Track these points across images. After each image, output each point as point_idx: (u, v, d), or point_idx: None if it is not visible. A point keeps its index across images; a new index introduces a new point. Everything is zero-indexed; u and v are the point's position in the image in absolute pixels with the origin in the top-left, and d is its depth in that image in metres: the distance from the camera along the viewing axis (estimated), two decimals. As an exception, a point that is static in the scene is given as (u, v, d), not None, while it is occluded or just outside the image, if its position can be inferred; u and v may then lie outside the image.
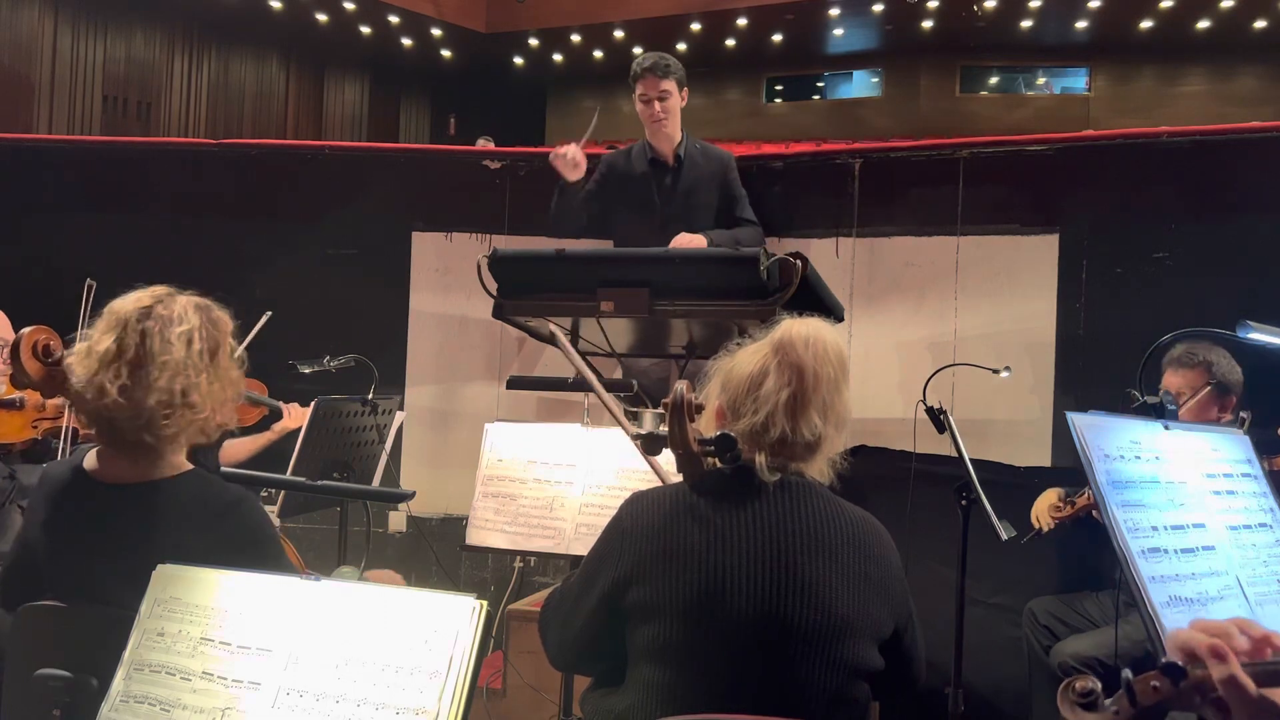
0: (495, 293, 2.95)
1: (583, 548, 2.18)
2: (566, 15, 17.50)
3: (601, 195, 3.75)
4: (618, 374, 3.45)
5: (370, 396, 2.99)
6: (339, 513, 2.97)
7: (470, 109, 19.95)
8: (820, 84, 20.11)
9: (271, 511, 2.77)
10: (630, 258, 3.14)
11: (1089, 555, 3.09)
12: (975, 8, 15.96)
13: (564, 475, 2.55)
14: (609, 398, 2.04)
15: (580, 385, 2.91)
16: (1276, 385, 2.82)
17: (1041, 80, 19.06)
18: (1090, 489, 2.75)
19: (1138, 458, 1.74)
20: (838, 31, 17.64)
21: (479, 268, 2.90)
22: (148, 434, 1.76)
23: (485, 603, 1.36)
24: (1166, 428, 1.84)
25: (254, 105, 18.35)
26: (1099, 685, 1.02)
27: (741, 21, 16.91)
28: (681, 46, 17.61)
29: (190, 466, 1.86)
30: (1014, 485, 3.42)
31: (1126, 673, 1.01)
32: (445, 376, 4.59)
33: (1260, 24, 15.80)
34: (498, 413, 4.31)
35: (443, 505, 4.17)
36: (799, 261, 2.69)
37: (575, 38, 18.26)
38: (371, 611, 1.40)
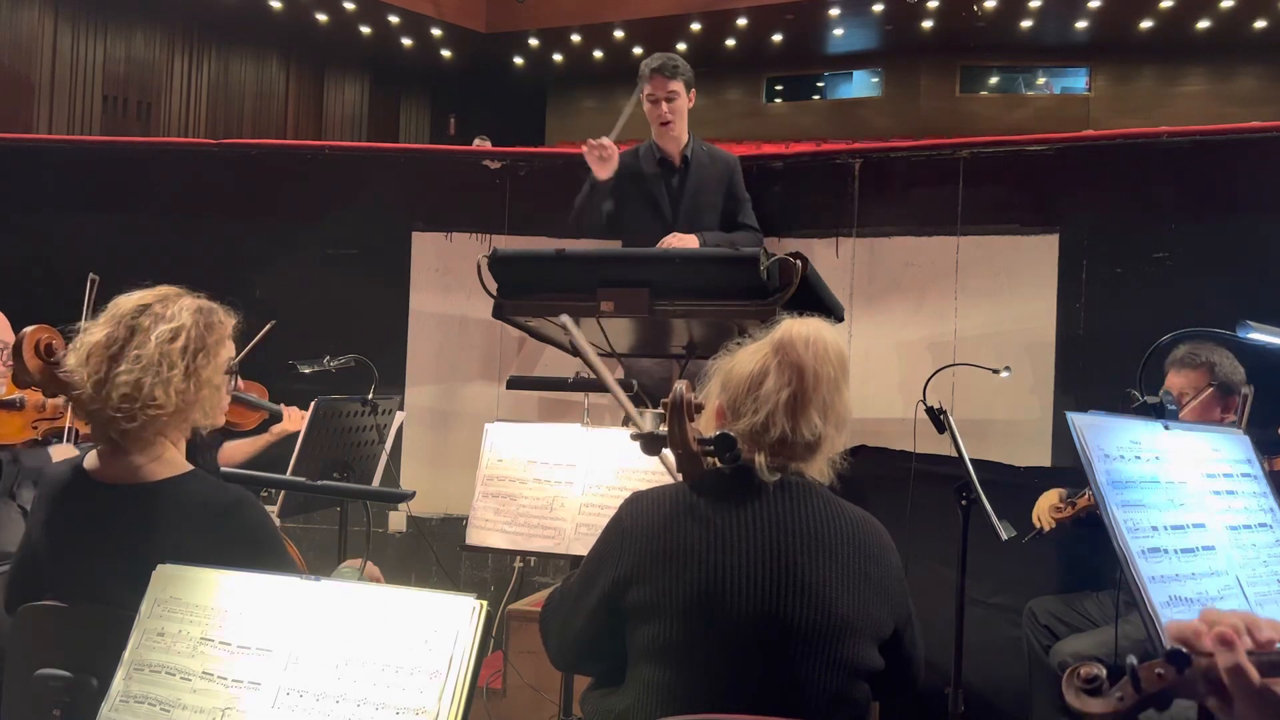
0: (495, 293, 2.95)
1: (583, 548, 2.18)
2: (566, 15, 17.51)
3: (611, 195, 3.74)
4: (619, 374, 3.45)
5: (370, 396, 2.99)
6: (339, 513, 2.96)
7: (470, 109, 19.95)
8: (820, 84, 20.11)
9: (271, 511, 2.77)
10: (630, 258, 3.14)
11: (1089, 555, 3.09)
12: (975, 8, 15.96)
13: (564, 475, 2.55)
14: (618, 391, 2.03)
15: (580, 385, 2.91)
16: (1276, 385, 2.82)
17: (1041, 80, 19.07)
18: (1091, 490, 2.76)
19: (1138, 458, 1.74)
20: (838, 31, 17.65)
21: (479, 268, 2.90)
22: (112, 428, 1.76)
23: (485, 603, 1.36)
24: (1166, 428, 1.84)
25: (254, 105, 18.35)
26: (1104, 672, 1.02)
27: (741, 21, 16.91)
28: (681, 46, 17.60)
29: (190, 467, 1.86)
30: (1014, 485, 3.42)
31: (1131, 659, 1.01)
32: (445, 376, 4.59)
33: (1260, 24, 15.80)
34: (498, 413, 4.31)
35: (443, 505, 4.17)
36: (799, 261, 2.69)
37: (575, 38, 18.26)
38: (371, 611, 1.40)
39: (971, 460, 2.52)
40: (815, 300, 2.84)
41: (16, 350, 1.91)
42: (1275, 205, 3.58)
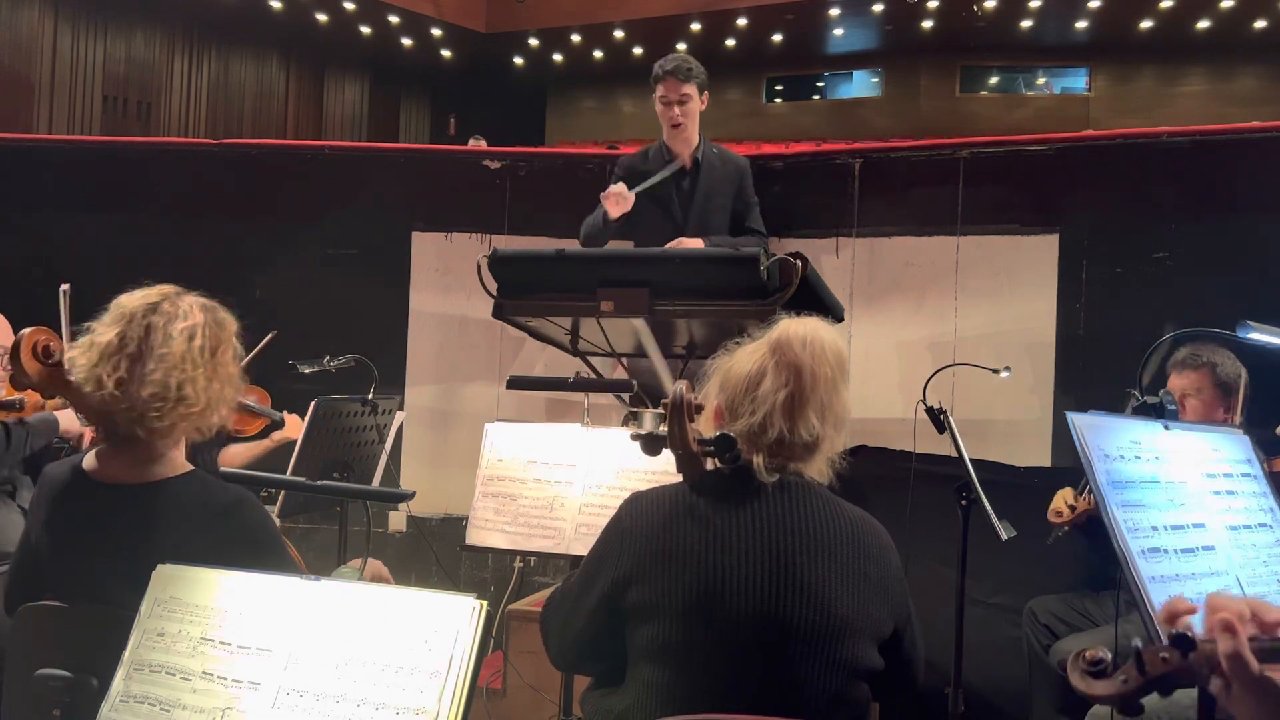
0: (495, 293, 2.95)
1: (583, 548, 2.18)
2: (566, 15, 17.51)
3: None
4: (619, 374, 3.45)
5: (370, 396, 2.99)
6: (339, 513, 2.96)
7: (470, 109, 19.95)
8: (820, 84, 20.12)
9: (271, 511, 2.77)
10: (630, 258, 3.14)
11: (1089, 555, 3.08)
12: (975, 8, 15.97)
13: (564, 475, 2.55)
14: (659, 360, 2.03)
15: (580, 385, 2.91)
16: (1277, 385, 2.82)
17: (1041, 80, 19.07)
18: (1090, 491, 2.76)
19: (1138, 458, 1.74)
20: (838, 31, 17.65)
21: (479, 268, 2.90)
22: (139, 426, 1.77)
23: (485, 603, 1.36)
24: (1166, 428, 1.84)
25: (254, 105, 18.36)
26: (1109, 655, 1.03)
27: (741, 21, 16.91)
28: (681, 46, 17.60)
29: (190, 467, 1.86)
30: (1014, 485, 3.42)
31: (1136, 642, 1.02)
32: (445, 376, 4.59)
33: (1260, 24, 15.81)
34: (498, 413, 4.31)
35: (443, 505, 4.17)
36: (799, 261, 2.69)
37: (575, 38, 18.27)
38: (371, 611, 1.40)
39: (971, 460, 2.52)
40: (815, 300, 2.84)
41: (14, 353, 1.91)
42: (1275, 205, 3.58)
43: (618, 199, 3.50)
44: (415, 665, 1.34)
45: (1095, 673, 1.03)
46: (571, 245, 3.65)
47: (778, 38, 17.73)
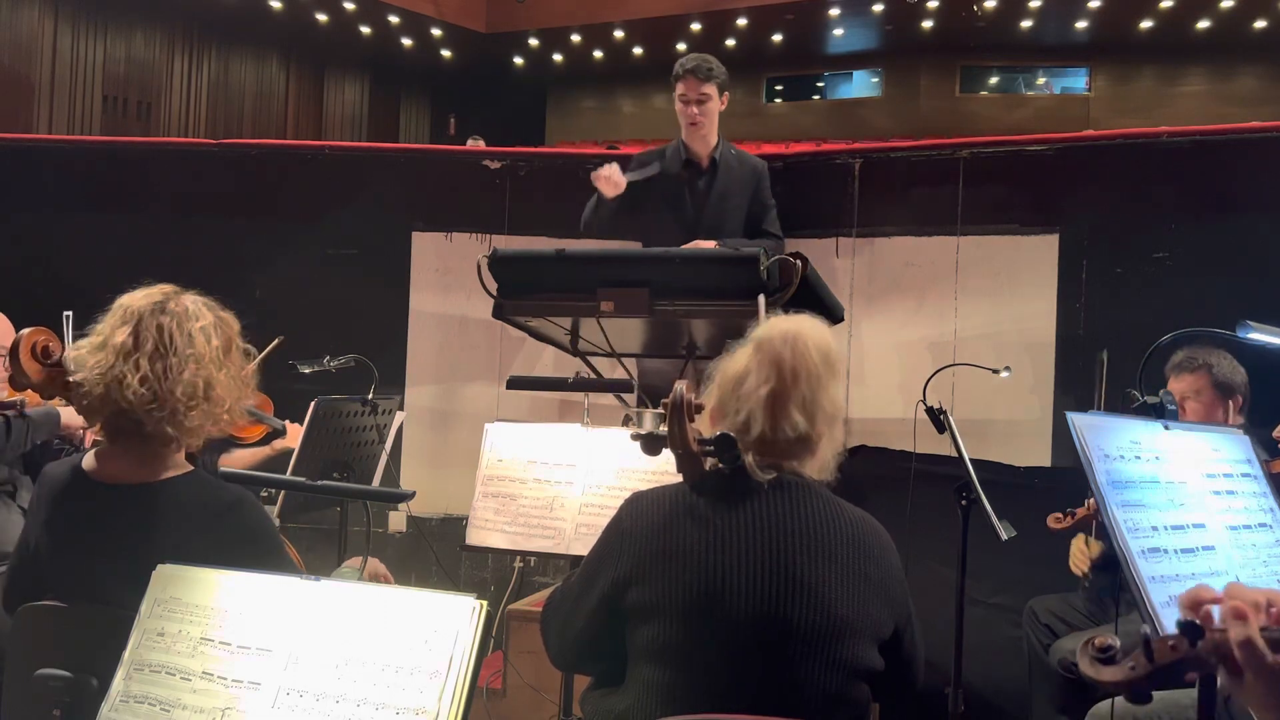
0: (495, 293, 2.95)
1: (583, 548, 2.18)
2: (566, 15, 17.51)
3: (633, 194, 3.72)
4: (619, 373, 3.45)
5: (370, 396, 2.98)
6: (339, 513, 2.96)
7: (470, 109, 19.95)
8: (820, 84, 20.12)
9: (271, 511, 2.77)
10: (630, 258, 3.14)
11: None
12: (975, 8, 15.97)
13: (564, 475, 2.55)
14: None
15: (580, 385, 2.91)
16: (1277, 385, 2.82)
17: (1041, 80, 19.07)
18: (1091, 498, 2.75)
19: (1138, 458, 1.74)
20: (838, 31, 17.65)
21: (479, 268, 2.90)
22: (170, 425, 1.78)
23: (485, 603, 1.36)
24: (1166, 428, 1.84)
25: (254, 105, 18.36)
26: (1118, 643, 1.03)
27: (741, 21, 16.91)
28: (681, 46, 17.59)
29: (190, 467, 1.86)
30: (1014, 485, 3.42)
31: (1145, 628, 1.03)
32: (445, 376, 4.59)
33: (1260, 24, 15.81)
34: (498, 413, 4.31)
35: (443, 505, 4.17)
36: (799, 261, 2.69)
37: (575, 38, 18.26)
38: (371, 611, 1.40)
39: (971, 460, 2.52)
40: (815, 300, 2.84)
41: (14, 354, 1.91)
42: (1275, 205, 3.58)
43: (607, 181, 3.49)
44: (415, 665, 1.34)
45: (1104, 659, 1.03)
46: (571, 245, 3.65)
47: (778, 38, 17.72)
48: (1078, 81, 18.66)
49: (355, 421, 2.98)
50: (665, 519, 1.70)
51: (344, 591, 1.44)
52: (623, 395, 3.23)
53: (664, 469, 2.15)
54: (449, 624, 1.35)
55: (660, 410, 1.72)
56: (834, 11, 16.65)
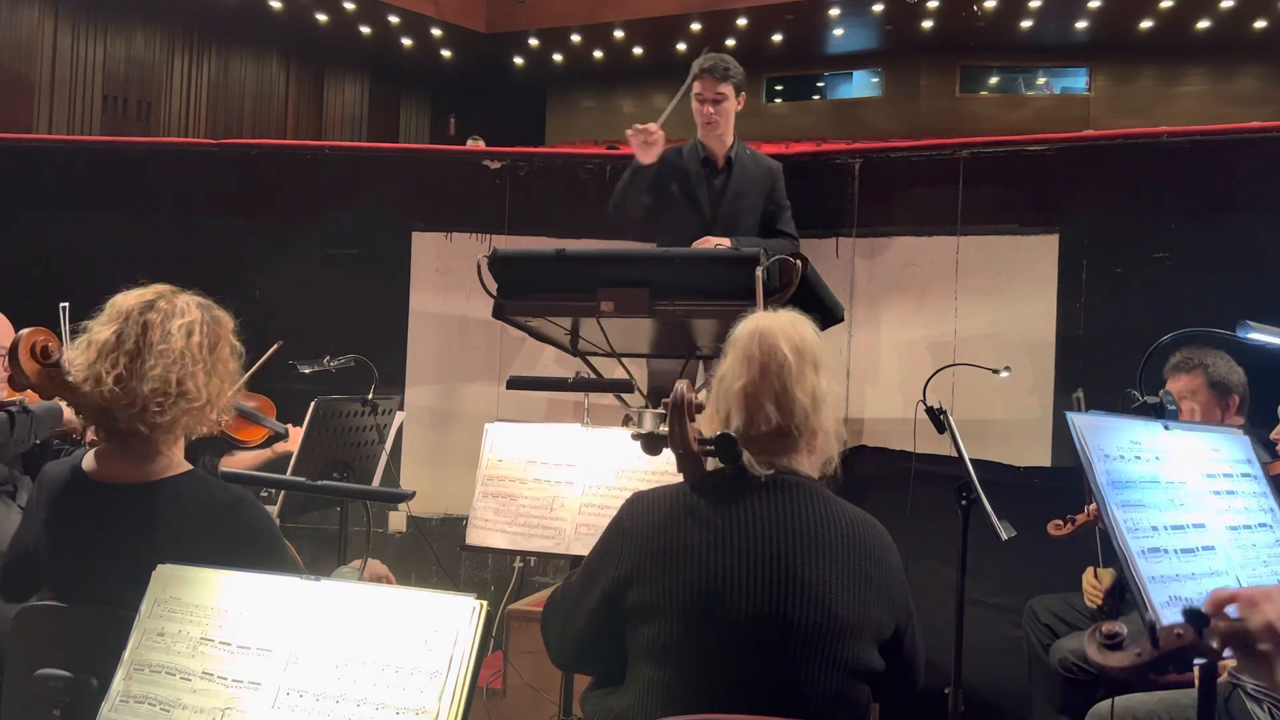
0: (495, 293, 2.95)
1: (583, 548, 2.18)
2: (566, 15, 17.51)
3: (652, 189, 3.72)
4: (619, 373, 3.45)
5: (370, 396, 2.99)
6: (339, 513, 2.96)
7: (470, 109, 19.95)
8: (820, 84, 20.11)
9: (271, 511, 2.77)
10: (630, 258, 3.14)
11: (1089, 555, 3.08)
12: (975, 8, 15.96)
13: (564, 475, 2.55)
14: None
15: (580, 385, 2.91)
16: (1277, 385, 2.82)
17: (1041, 80, 19.07)
18: (1091, 504, 2.76)
19: (1138, 458, 1.73)
20: (838, 31, 17.65)
21: (479, 268, 2.90)
22: (140, 423, 1.77)
23: (485, 603, 1.36)
24: (1166, 428, 1.83)
25: (254, 105, 18.35)
26: (1125, 629, 1.05)
27: (741, 21, 16.91)
28: (681, 46, 17.61)
29: (189, 466, 1.86)
30: (1014, 485, 3.42)
31: (1150, 616, 1.04)
32: (445, 376, 4.59)
33: (1260, 24, 15.80)
34: (498, 413, 4.31)
35: (443, 505, 4.17)
36: (799, 261, 2.69)
37: (575, 38, 18.26)
38: (371, 611, 1.40)
39: (971, 460, 2.52)
40: (815, 300, 2.84)
41: (12, 354, 1.91)
42: (1275, 205, 3.58)
43: (645, 136, 3.46)
44: (415, 665, 1.34)
45: (1111, 645, 1.05)
46: (571, 245, 3.65)
47: (778, 38, 17.72)
48: (1078, 81, 18.65)
49: (355, 421, 2.98)
50: (666, 519, 1.71)
51: (344, 591, 1.44)
52: (622, 395, 3.23)
53: (664, 469, 2.15)
54: (449, 624, 1.35)
55: (661, 410, 1.73)
56: (834, 11, 16.64)
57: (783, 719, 1.58)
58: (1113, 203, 3.89)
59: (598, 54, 19.05)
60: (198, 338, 1.83)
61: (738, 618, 1.62)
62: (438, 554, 3.83)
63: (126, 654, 1.47)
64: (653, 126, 3.49)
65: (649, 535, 1.70)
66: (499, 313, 2.99)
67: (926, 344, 4.09)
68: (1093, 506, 2.82)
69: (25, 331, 1.93)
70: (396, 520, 4.39)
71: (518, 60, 19.64)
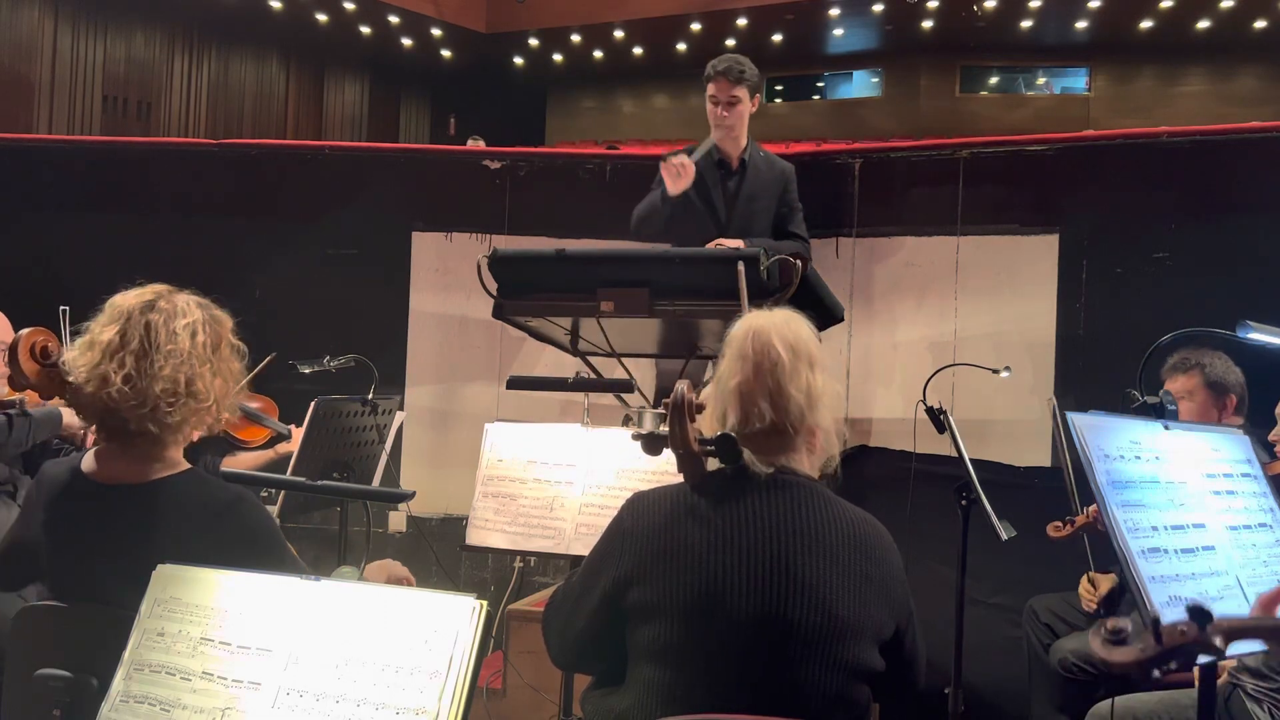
0: (495, 293, 2.95)
1: (583, 548, 2.18)
2: (566, 15, 17.51)
3: (687, 194, 3.70)
4: (619, 373, 3.45)
5: (370, 396, 2.99)
6: (339, 513, 2.96)
7: (470, 109, 19.95)
8: (820, 84, 20.12)
9: (271, 511, 2.77)
10: (630, 257, 3.14)
11: (1089, 555, 3.08)
12: (975, 8, 15.97)
13: (564, 475, 2.55)
14: None
15: (580, 385, 2.91)
16: (1276, 386, 2.82)
17: (1041, 80, 19.08)
18: (1090, 506, 2.76)
19: (1138, 458, 1.74)
20: (838, 31, 17.65)
21: (479, 268, 2.90)
22: (151, 423, 1.78)
23: (485, 603, 1.36)
24: (1166, 428, 1.84)
25: (254, 105, 18.36)
26: (1129, 625, 1.05)
27: (741, 21, 16.91)
28: (681, 46, 17.63)
29: (188, 465, 1.86)
30: (1014, 485, 3.42)
31: (1154, 611, 1.05)
32: (445, 376, 4.59)
33: (1260, 24, 15.81)
34: (498, 413, 4.31)
35: (443, 505, 4.17)
36: (799, 261, 2.69)
37: (575, 38, 18.27)
38: (371, 611, 1.40)
39: (971, 460, 2.52)
40: (815, 300, 2.84)
41: (12, 354, 1.92)
42: (1275, 205, 3.58)
43: (679, 170, 3.43)
44: (415, 665, 1.34)
45: (1115, 640, 1.06)
46: (571, 245, 3.64)
47: (778, 38, 17.72)
48: (1078, 81, 18.66)
49: (355, 421, 2.98)
50: (666, 519, 1.71)
51: (344, 591, 1.44)
52: (622, 395, 3.23)
53: (664, 469, 2.15)
54: (449, 624, 1.35)
55: (661, 410, 1.73)
56: (834, 11, 16.65)
57: (783, 719, 1.58)
58: (1113, 203, 3.89)
59: (598, 54, 19.05)
60: (202, 337, 1.84)
61: (738, 618, 1.62)
62: (438, 554, 3.83)
63: (126, 654, 1.47)
64: (687, 161, 3.46)
65: (649, 535, 1.70)
66: (499, 313, 2.99)
67: (926, 344, 4.09)
68: (1092, 508, 2.82)
69: (25, 331, 1.93)
70: (396, 520, 4.39)
71: (518, 60, 19.64)
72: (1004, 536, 2.47)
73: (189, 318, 1.84)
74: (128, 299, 1.84)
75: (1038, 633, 3.12)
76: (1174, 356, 3.02)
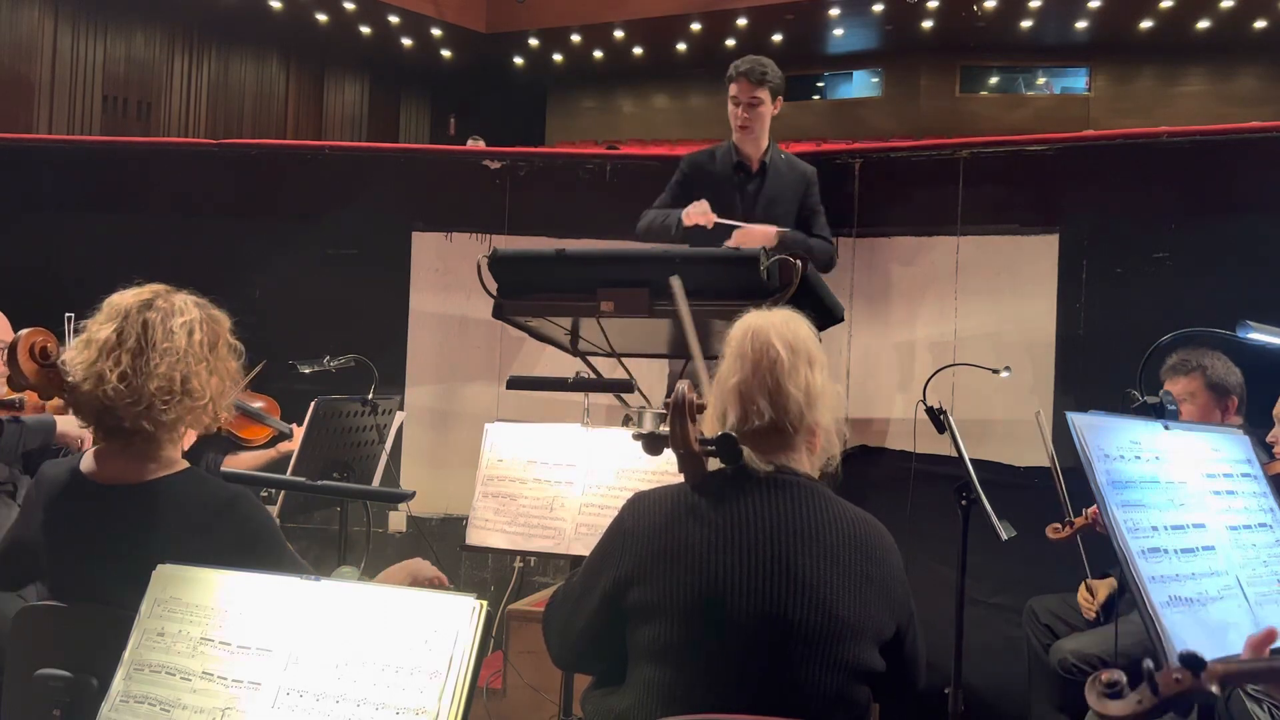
0: (495, 293, 2.95)
1: (583, 548, 2.18)
2: (566, 15, 17.52)
3: (683, 194, 3.69)
4: (619, 373, 3.45)
5: (370, 396, 2.99)
6: (339, 513, 2.97)
7: (470, 109, 19.96)
8: (820, 84, 20.12)
9: (271, 511, 2.77)
10: (630, 257, 3.14)
11: (1089, 555, 3.08)
12: (975, 8, 15.97)
13: (564, 475, 2.55)
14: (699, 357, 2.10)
15: (580, 385, 2.91)
16: (1276, 386, 2.82)
17: (1041, 80, 19.08)
18: (1090, 508, 2.75)
19: (1138, 458, 1.74)
20: (838, 31, 17.66)
21: (479, 268, 2.90)
22: (146, 420, 1.78)
23: (485, 603, 1.36)
24: (1166, 428, 1.84)
25: (254, 105, 18.36)
26: (1124, 678, 1.05)
27: (741, 21, 16.91)
28: (681, 46, 17.63)
29: (187, 465, 1.86)
30: (1014, 485, 3.42)
31: (1148, 663, 1.04)
32: (445, 376, 4.59)
33: (1260, 24, 15.81)
34: (498, 413, 4.31)
35: (443, 505, 4.17)
36: (799, 261, 2.69)
37: (575, 38, 18.27)
38: (371, 611, 1.40)
39: (971, 460, 2.52)
40: (815, 300, 2.84)
41: (11, 354, 1.91)
42: (1275, 205, 3.58)
43: (702, 218, 3.44)
44: (415, 665, 1.34)
45: (1112, 694, 1.05)
46: (571, 245, 3.64)
47: (778, 38, 17.72)
48: (1078, 81, 18.66)
49: (355, 421, 2.99)
50: (667, 519, 1.71)
51: (344, 591, 1.44)
52: (622, 395, 3.22)
53: (664, 469, 2.15)
54: (449, 624, 1.35)
55: (661, 410, 1.73)
56: (834, 11, 16.65)
57: (783, 719, 1.58)
58: (1113, 203, 3.89)
59: (598, 54, 19.05)
60: (199, 335, 1.84)
61: (738, 618, 1.62)
62: (438, 554, 3.82)
63: (126, 654, 1.47)
64: (709, 214, 3.46)
65: (650, 535, 1.70)
66: (499, 313, 2.98)
67: (926, 344, 4.09)
68: (1091, 510, 2.81)
69: (25, 332, 1.93)
70: (396, 520, 4.39)
71: (518, 60, 19.64)
72: (1004, 537, 2.47)
73: (186, 316, 1.84)
74: (126, 298, 1.84)
75: (1037, 633, 3.12)
76: (1173, 357, 3.01)
